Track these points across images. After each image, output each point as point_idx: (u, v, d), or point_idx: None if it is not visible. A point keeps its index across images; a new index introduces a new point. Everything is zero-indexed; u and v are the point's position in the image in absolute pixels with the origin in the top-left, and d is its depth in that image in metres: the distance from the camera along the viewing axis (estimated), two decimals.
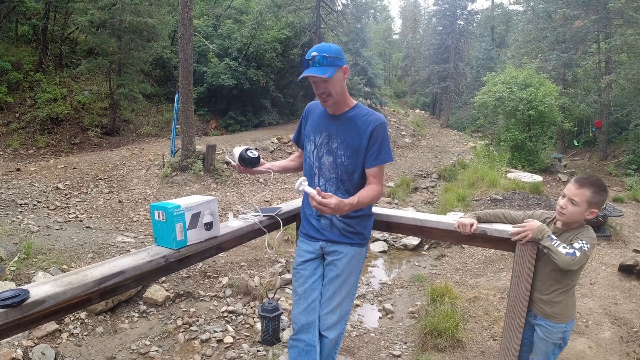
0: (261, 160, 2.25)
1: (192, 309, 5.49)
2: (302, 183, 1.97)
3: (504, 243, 2.17)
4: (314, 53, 1.94)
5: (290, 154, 13.51)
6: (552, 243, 1.96)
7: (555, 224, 2.14)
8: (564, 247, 1.94)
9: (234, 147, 2.24)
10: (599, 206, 2.01)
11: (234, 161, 2.19)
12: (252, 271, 6.34)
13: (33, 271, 5.26)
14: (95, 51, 14.11)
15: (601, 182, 2.04)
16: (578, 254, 1.92)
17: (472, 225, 2.16)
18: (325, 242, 2.17)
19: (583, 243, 1.96)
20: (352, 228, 2.13)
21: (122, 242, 6.63)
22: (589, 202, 1.98)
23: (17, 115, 12.71)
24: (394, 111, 24.26)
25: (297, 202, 2.61)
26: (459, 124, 30.12)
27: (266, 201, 9.56)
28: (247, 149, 2.17)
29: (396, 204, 10.80)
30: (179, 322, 5.22)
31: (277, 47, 18.08)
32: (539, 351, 2.17)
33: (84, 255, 5.99)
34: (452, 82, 32.07)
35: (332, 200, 1.83)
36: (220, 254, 5.78)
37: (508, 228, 2.14)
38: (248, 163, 2.18)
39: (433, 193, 12.17)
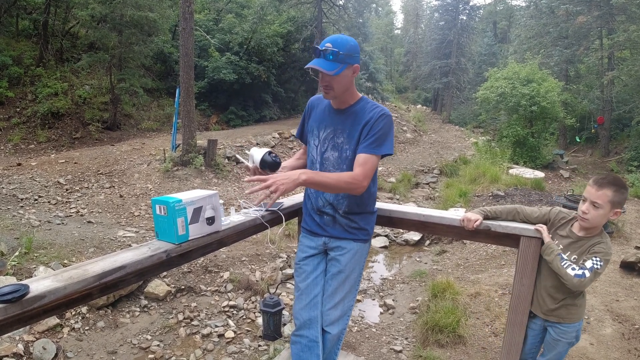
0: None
1: (194, 304, 5.49)
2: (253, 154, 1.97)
3: (507, 239, 2.15)
4: (328, 44, 1.86)
5: (292, 149, 13.50)
6: (562, 264, 1.92)
7: (572, 226, 2.06)
8: (573, 269, 1.90)
9: (251, 149, 2.09)
10: (621, 205, 1.94)
11: (253, 163, 2.04)
12: (253, 266, 6.34)
13: (34, 266, 5.27)
14: (96, 45, 14.08)
15: (620, 180, 1.97)
16: (588, 274, 1.88)
17: (476, 221, 2.12)
18: (328, 238, 2.13)
19: (596, 261, 1.90)
20: (356, 224, 2.10)
21: (124, 236, 6.63)
22: (612, 203, 1.90)
23: (18, 110, 12.70)
24: (395, 106, 24.19)
25: (299, 197, 2.59)
26: (460, 120, 30.06)
27: (267, 196, 9.55)
28: (270, 152, 2.04)
29: (397, 199, 10.79)
30: (180, 317, 5.22)
31: (278, 42, 18.03)
32: (552, 350, 2.14)
33: (85, 249, 5.99)
34: (454, 78, 32.00)
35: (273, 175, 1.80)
36: (221, 249, 5.78)
37: (512, 224, 2.12)
38: (270, 167, 2.03)
39: (434, 189, 12.16)
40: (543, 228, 2.04)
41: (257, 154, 2.04)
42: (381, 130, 1.93)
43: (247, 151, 2.30)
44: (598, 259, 1.91)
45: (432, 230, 2.42)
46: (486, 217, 2.18)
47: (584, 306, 2.12)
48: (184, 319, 5.21)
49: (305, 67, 1.90)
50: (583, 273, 1.88)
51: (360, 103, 2.04)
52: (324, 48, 1.86)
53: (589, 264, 1.91)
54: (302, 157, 2.37)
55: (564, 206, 2.14)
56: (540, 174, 11.42)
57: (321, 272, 2.16)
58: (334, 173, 1.95)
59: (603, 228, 2.03)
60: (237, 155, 2.28)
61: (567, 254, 1.99)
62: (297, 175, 1.80)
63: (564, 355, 2.15)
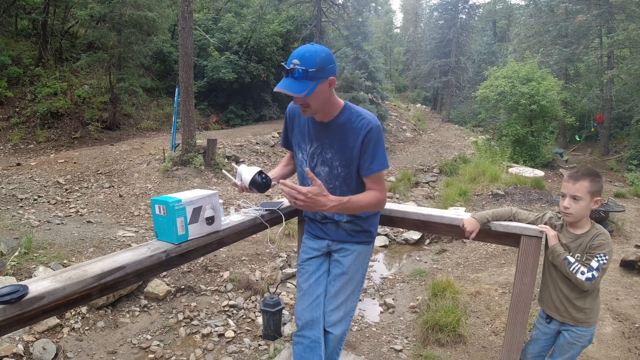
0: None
1: (193, 304, 5.49)
2: (240, 172, 1.94)
3: (508, 238, 2.15)
4: (295, 61, 1.70)
5: None
6: (570, 269, 1.94)
7: (568, 226, 2.08)
8: (582, 273, 1.92)
9: (240, 165, 2.03)
10: (600, 193, 2.00)
11: (241, 181, 2.00)
12: (253, 265, 6.33)
13: (34, 266, 5.26)
14: (95, 45, 14.06)
15: (594, 170, 2.04)
16: (597, 275, 1.91)
17: (471, 232, 2.13)
18: (331, 241, 2.12)
19: (600, 257, 1.93)
20: (359, 227, 2.08)
21: (123, 236, 6.62)
22: (590, 193, 1.96)
23: (17, 109, 12.68)
24: (395, 105, 24.18)
25: None
26: (460, 119, 30.06)
27: (267, 196, 9.56)
28: (260, 172, 1.97)
29: (397, 198, 10.78)
30: (180, 317, 5.22)
31: (277, 41, 18.01)
32: (564, 354, 2.13)
33: (85, 249, 5.98)
34: (453, 77, 32.01)
35: (312, 188, 1.69)
36: (221, 249, 5.77)
37: (512, 224, 2.12)
38: (259, 188, 1.98)
39: (434, 188, 12.15)
40: (547, 229, 2.05)
41: (247, 173, 1.97)
42: (373, 145, 1.87)
43: (234, 164, 2.23)
44: (602, 254, 1.93)
45: (432, 229, 2.42)
46: (489, 220, 2.17)
47: (599, 308, 2.13)
48: (184, 318, 5.21)
49: (275, 89, 1.76)
50: (593, 275, 1.91)
51: (345, 113, 1.92)
52: (290, 67, 1.70)
53: (594, 263, 1.93)
54: (290, 163, 2.32)
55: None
56: (540, 173, 11.42)
57: (324, 273, 2.15)
58: (361, 199, 1.89)
59: (595, 222, 2.06)
60: (225, 172, 2.23)
61: (569, 254, 2.00)
62: (328, 207, 1.74)
63: (575, 358, 2.14)
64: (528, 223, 2.14)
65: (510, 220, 2.17)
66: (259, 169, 1.99)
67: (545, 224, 2.12)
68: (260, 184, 1.97)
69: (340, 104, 1.93)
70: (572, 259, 1.97)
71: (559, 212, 2.10)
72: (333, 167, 1.96)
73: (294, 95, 1.71)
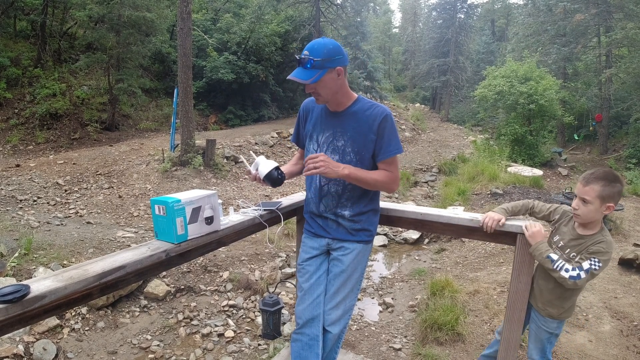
0: None
1: (193, 304, 5.50)
2: (257, 162, 2.00)
3: (505, 236, 2.16)
4: (306, 52, 1.87)
5: (290, 148, 13.50)
6: (553, 266, 1.89)
7: (574, 224, 2.04)
8: (566, 271, 1.87)
9: (259, 156, 2.09)
10: (614, 199, 1.89)
11: (255, 171, 2.05)
12: (252, 265, 6.35)
13: (34, 267, 5.26)
14: (94, 46, 14.05)
15: (610, 173, 1.91)
16: (583, 276, 1.84)
17: (499, 220, 2.05)
18: (331, 240, 2.15)
19: (594, 262, 1.87)
20: (359, 225, 2.11)
21: (123, 237, 6.63)
22: (601, 198, 1.87)
23: (16, 111, 12.68)
24: (394, 105, 24.20)
25: (297, 196, 2.61)
26: (459, 118, 30.11)
27: (266, 195, 9.56)
28: (277, 168, 2.03)
29: (396, 197, 10.80)
30: (180, 317, 5.23)
31: (276, 41, 18.02)
32: (536, 339, 2.16)
33: (85, 250, 5.99)
34: (452, 76, 32.07)
35: (320, 154, 1.90)
36: (220, 248, 5.79)
37: (509, 222, 2.12)
38: (273, 182, 2.04)
39: (433, 187, 12.17)
40: (530, 227, 1.99)
41: (264, 166, 2.03)
42: (390, 131, 2.04)
43: (252, 152, 2.27)
44: (597, 259, 1.87)
45: (430, 228, 2.44)
46: (506, 214, 2.14)
47: (573, 307, 2.14)
48: (184, 318, 5.22)
49: (287, 78, 1.93)
50: (578, 275, 1.85)
51: (358, 104, 2.05)
52: (301, 57, 1.88)
53: (586, 265, 1.87)
54: (299, 162, 2.37)
55: (562, 204, 2.11)
56: (538, 172, 11.45)
57: (324, 272, 2.18)
58: (371, 172, 2.03)
59: (604, 225, 2.00)
60: (242, 158, 2.28)
61: (567, 251, 1.99)
62: (341, 168, 1.92)
63: (547, 346, 2.16)
64: (541, 216, 2.14)
65: (531, 214, 2.16)
66: (276, 164, 2.05)
67: (558, 215, 2.11)
68: (275, 179, 2.03)
69: (354, 95, 2.08)
70: (555, 257, 1.91)
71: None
72: (345, 153, 2.04)
73: (301, 82, 1.87)
